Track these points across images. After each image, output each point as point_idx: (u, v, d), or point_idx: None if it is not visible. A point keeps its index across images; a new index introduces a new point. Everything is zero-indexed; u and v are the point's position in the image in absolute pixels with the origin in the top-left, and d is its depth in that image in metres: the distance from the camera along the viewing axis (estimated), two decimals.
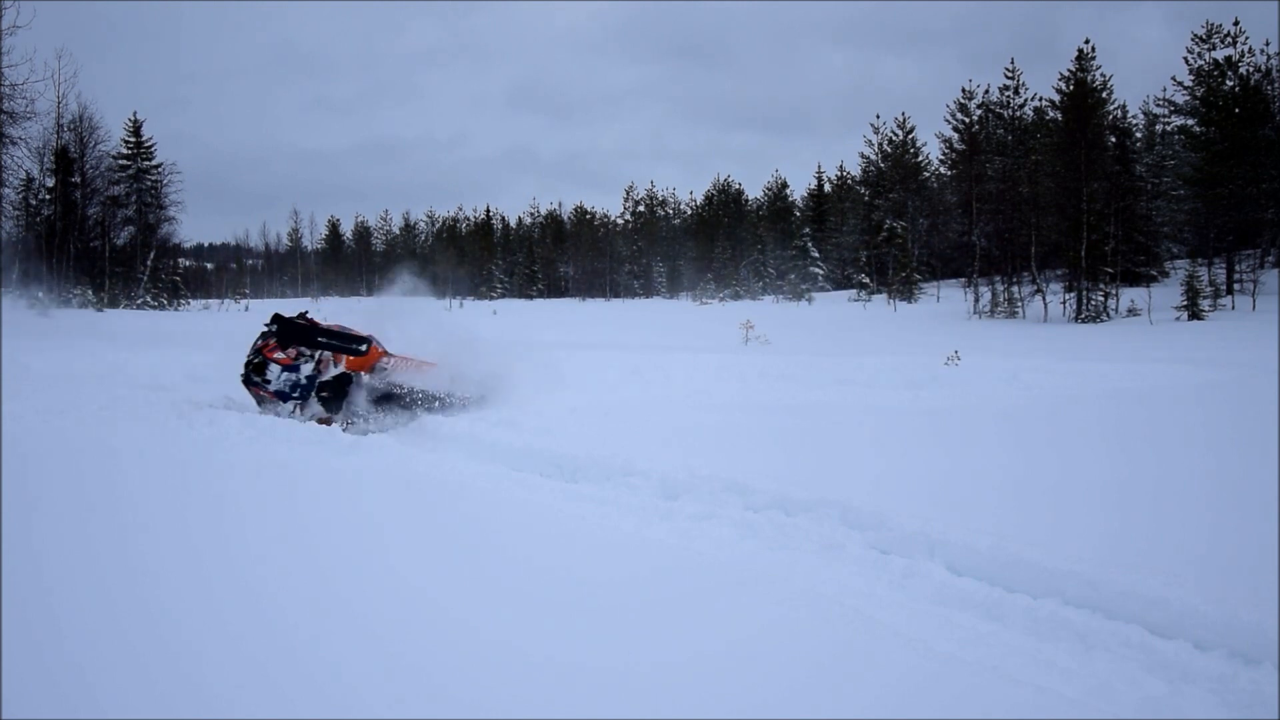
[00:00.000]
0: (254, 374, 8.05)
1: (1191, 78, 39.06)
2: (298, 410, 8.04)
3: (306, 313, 8.67)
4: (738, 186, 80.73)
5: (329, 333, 8.30)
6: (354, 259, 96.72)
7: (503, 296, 75.38)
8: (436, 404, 8.47)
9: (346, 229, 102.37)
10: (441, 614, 3.31)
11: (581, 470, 6.14)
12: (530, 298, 73.67)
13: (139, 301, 42.33)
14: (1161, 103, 43.18)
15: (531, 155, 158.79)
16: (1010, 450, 6.69)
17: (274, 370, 8.00)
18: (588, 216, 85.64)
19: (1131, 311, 30.58)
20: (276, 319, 8.28)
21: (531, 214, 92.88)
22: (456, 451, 6.96)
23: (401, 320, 9.63)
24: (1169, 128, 45.57)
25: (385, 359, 8.69)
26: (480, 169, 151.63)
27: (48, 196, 43.34)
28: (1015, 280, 35.96)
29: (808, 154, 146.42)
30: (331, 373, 8.27)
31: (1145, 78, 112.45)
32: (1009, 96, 44.05)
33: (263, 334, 8.28)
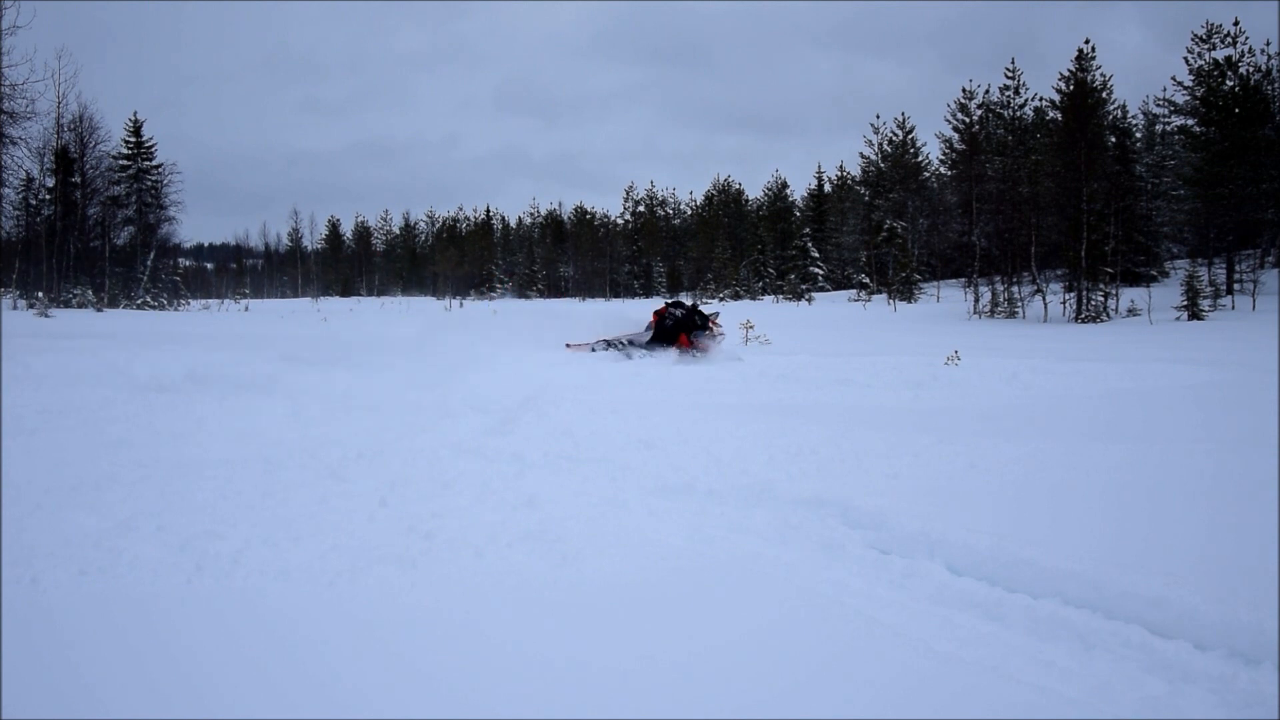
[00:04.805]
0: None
1: (1191, 78, 39.02)
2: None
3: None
4: (738, 186, 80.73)
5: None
6: (354, 259, 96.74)
7: (502, 296, 75.39)
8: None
9: (347, 229, 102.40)
10: None
11: None
12: (529, 298, 73.67)
13: (139, 302, 42.27)
14: (1161, 103, 43.14)
15: (524, 156, 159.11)
16: (1010, 450, 6.68)
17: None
18: (588, 217, 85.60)
19: (1131, 311, 30.55)
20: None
21: (531, 214, 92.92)
22: None
23: None
24: (1169, 128, 45.54)
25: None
26: (474, 170, 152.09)
27: (48, 196, 43.35)
28: (1015, 280, 35.90)
29: (797, 155, 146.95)
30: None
31: (1127, 82, 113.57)
32: (1009, 96, 44.05)
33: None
